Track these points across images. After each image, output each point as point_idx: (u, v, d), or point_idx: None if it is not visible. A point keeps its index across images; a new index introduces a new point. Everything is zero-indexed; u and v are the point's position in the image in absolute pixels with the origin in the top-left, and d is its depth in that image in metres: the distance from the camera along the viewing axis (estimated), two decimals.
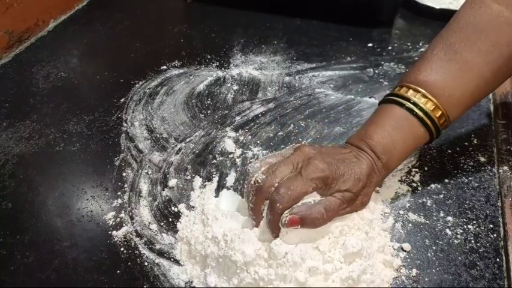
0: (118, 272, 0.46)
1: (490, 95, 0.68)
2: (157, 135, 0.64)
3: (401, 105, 0.49)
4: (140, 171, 0.58)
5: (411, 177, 0.56)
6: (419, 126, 0.48)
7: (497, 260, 0.47)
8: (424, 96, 0.48)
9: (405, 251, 0.48)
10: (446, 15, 0.85)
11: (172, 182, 0.56)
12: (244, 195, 0.46)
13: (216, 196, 0.54)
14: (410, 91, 0.49)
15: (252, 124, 0.65)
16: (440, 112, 0.48)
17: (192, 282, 0.45)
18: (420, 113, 0.48)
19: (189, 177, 0.57)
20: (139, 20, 0.93)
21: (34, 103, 0.69)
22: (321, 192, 0.45)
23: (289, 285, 0.41)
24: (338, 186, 0.45)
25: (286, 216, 0.42)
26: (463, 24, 0.50)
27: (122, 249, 0.49)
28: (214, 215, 0.48)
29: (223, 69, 0.77)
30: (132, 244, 0.49)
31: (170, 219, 0.52)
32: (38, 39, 0.85)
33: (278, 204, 0.42)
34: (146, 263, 0.47)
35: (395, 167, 0.51)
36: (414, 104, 0.48)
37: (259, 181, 0.44)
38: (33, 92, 0.72)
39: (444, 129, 0.50)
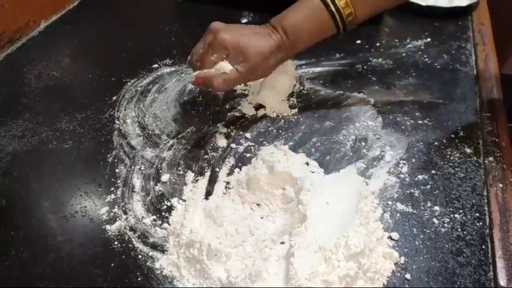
0: (112, 265, 0.47)
1: (476, 89, 0.70)
2: (150, 131, 0.64)
3: None
4: (133, 167, 0.58)
5: (399, 168, 0.57)
6: (329, 19, 0.58)
7: (483, 247, 0.48)
8: None
9: (393, 239, 0.49)
10: (433, 12, 0.88)
11: (165, 177, 0.57)
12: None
13: (206, 197, 0.54)
14: None
15: (243, 120, 0.66)
16: (349, 10, 0.57)
17: (184, 276, 0.46)
18: (332, 8, 0.57)
19: (181, 172, 0.58)
20: (131, 19, 0.94)
21: (26, 102, 0.70)
22: (229, 60, 0.58)
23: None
24: (241, 58, 0.56)
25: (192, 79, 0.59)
26: None
27: (116, 243, 0.49)
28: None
29: None
30: (126, 238, 0.50)
31: (163, 213, 0.52)
32: (29, 40, 0.85)
33: (192, 66, 0.60)
34: (140, 256, 0.48)
35: (301, 48, 0.60)
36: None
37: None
38: (26, 91, 0.72)
39: (351, 25, 0.59)
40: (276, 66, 0.60)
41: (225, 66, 0.58)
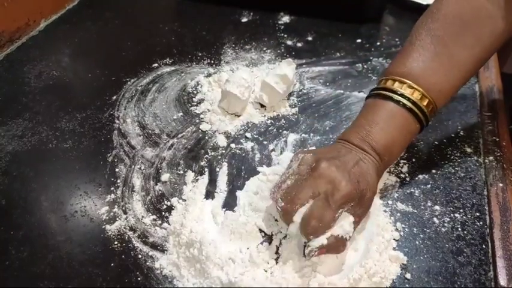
0: (112, 264, 0.47)
1: (477, 88, 0.70)
2: (150, 131, 0.64)
3: (391, 99, 0.49)
4: (133, 166, 0.58)
5: (399, 168, 0.57)
6: (411, 119, 0.49)
7: (483, 246, 0.48)
8: (410, 86, 0.49)
9: (394, 239, 0.48)
10: None
11: (165, 176, 0.57)
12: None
13: (206, 197, 0.54)
14: (397, 83, 0.50)
15: (243, 119, 0.66)
16: (427, 100, 0.49)
17: (184, 276, 0.46)
18: (409, 104, 0.48)
19: (181, 172, 0.58)
20: (130, 18, 0.93)
21: (26, 101, 0.70)
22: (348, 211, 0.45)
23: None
24: (359, 204, 0.45)
25: (315, 251, 0.42)
26: (450, 17, 0.51)
27: (116, 242, 0.49)
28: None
29: (214, 66, 0.77)
30: (126, 238, 0.50)
31: (163, 213, 0.52)
32: (29, 39, 0.85)
33: (311, 237, 0.42)
34: (140, 256, 0.48)
35: (393, 163, 0.54)
36: (402, 96, 0.49)
37: (279, 209, 0.45)
38: (25, 90, 0.72)
39: (433, 117, 0.51)
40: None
41: (346, 221, 0.44)
